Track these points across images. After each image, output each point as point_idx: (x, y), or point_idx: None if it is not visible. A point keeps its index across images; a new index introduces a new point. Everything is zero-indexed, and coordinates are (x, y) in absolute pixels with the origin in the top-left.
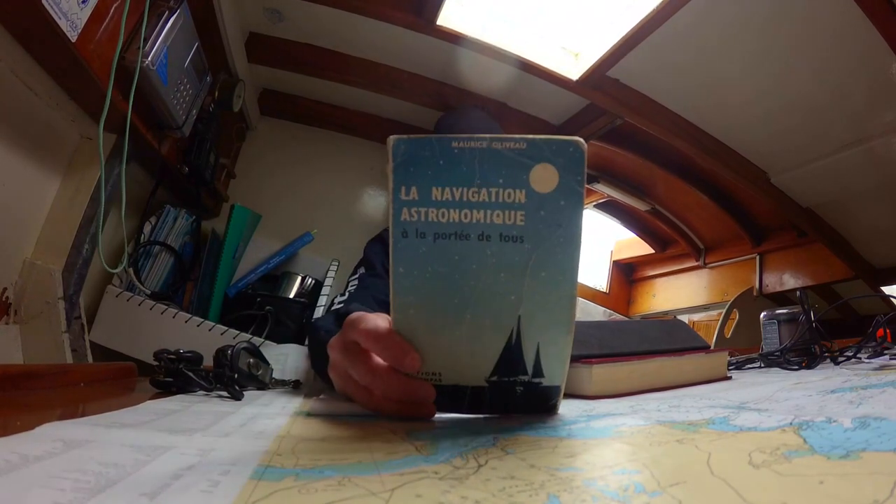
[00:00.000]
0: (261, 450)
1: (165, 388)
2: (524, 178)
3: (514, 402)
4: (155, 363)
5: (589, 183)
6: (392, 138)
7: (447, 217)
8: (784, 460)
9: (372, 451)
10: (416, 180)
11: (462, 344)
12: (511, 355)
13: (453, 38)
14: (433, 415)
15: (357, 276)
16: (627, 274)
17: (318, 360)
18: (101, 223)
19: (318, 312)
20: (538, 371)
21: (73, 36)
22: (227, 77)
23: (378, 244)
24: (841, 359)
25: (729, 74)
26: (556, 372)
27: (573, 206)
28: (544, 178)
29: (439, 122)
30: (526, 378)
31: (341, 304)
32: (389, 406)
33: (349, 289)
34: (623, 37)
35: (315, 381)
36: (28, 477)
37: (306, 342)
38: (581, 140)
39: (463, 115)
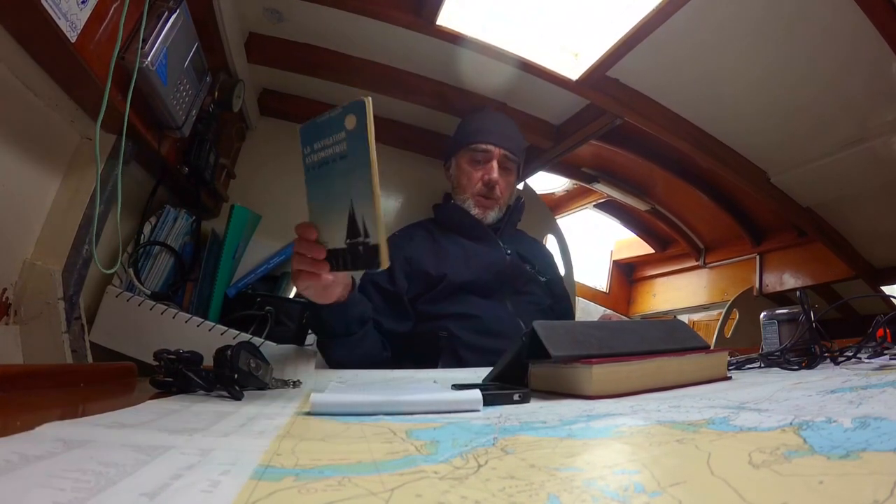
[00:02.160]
0: (261, 450)
1: (165, 388)
2: (342, 124)
3: (360, 258)
4: (155, 363)
5: (589, 183)
6: (300, 126)
7: (320, 156)
8: (784, 460)
9: (372, 451)
10: (308, 142)
11: (331, 222)
12: (352, 223)
13: (453, 37)
14: (327, 270)
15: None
16: (627, 274)
17: (312, 321)
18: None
19: None
20: (366, 232)
21: (72, 36)
22: (227, 77)
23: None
24: (841, 359)
25: (729, 74)
26: (374, 232)
27: (363, 133)
28: (350, 121)
29: (463, 119)
30: (361, 238)
31: None
32: (306, 264)
33: None
34: (623, 37)
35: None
36: (28, 477)
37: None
38: (363, 98)
39: (479, 113)
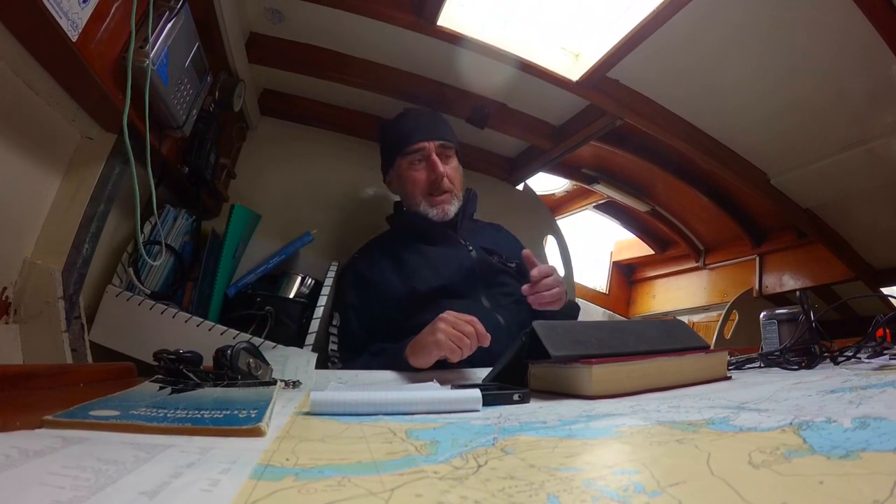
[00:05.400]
0: (260, 449)
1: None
2: None
3: None
4: (155, 363)
5: (588, 184)
6: None
7: None
8: (784, 460)
9: (372, 452)
10: None
11: None
12: None
13: (453, 38)
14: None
15: (336, 324)
16: (627, 275)
17: (392, 360)
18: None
19: (318, 313)
20: None
21: (73, 36)
22: (228, 77)
23: (349, 275)
24: (841, 359)
25: (729, 76)
26: None
27: None
28: None
29: (381, 130)
30: None
31: (336, 347)
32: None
33: (333, 338)
34: (623, 38)
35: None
36: (28, 474)
37: (338, 366)
38: None
39: (398, 120)
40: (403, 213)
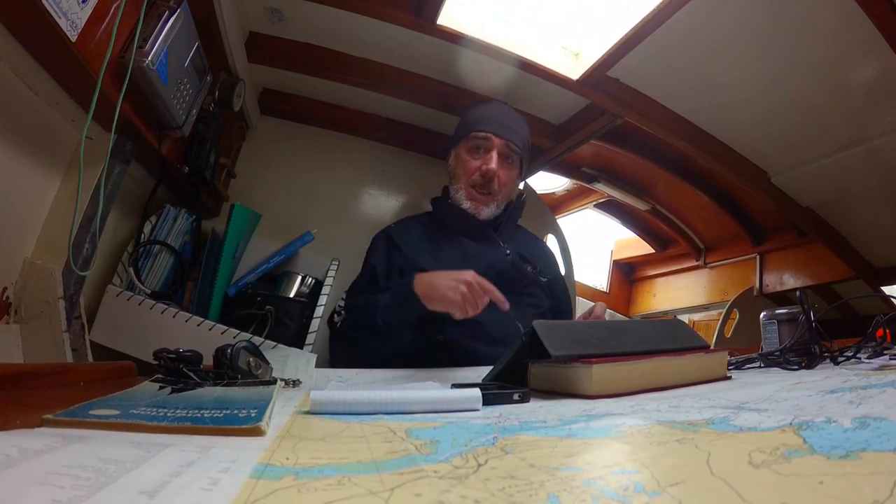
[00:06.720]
0: (260, 448)
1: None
2: None
3: None
4: (155, 362)
5: (589, 182)
6: None
7: None
8: (784, 460)
9: (371, 451)
10: None
11: None
12: None
13: (453, 37)
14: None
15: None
16: (627, 274)
17: (400, 295)
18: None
19: (319, 312)
20: None
21: (73, 35)
22: (228, 77)
23: (381, 241)
24: (841, 359)
25: (729, 74)
26: None
27: None
28: None
29: (462, 117)
30: None
31: (343, 303)
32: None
33: (344, 293)
34: (623, 37)
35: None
36: (27, 473)
37: (342, 316)
38: None
39: (482, 104)
40: (448, 204)
